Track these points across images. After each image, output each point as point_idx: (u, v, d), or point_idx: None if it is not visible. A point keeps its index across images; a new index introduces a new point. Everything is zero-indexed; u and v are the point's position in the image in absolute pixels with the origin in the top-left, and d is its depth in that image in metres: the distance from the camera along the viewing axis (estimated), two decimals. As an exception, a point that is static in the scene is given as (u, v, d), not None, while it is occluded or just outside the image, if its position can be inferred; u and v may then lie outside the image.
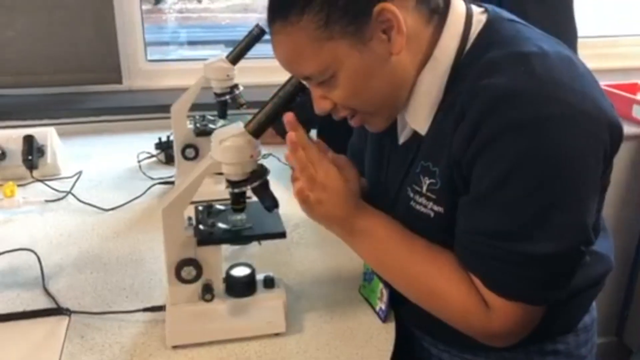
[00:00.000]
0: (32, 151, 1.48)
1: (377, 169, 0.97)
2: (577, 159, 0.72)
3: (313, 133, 1.87)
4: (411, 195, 0.87)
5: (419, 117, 0.85)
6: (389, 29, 0.76)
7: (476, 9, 0.84)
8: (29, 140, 1.49)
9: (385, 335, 0.97)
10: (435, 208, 0.84)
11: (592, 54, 1.62)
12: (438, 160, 0.82)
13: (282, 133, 1.78)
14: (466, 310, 0.81)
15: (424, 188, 0.85)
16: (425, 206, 0.85)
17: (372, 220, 0.89)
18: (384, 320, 0.99)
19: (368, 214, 0.89)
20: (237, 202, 0.92)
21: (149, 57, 2.09)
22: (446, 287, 0.82)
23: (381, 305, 1.00)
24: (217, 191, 1.27)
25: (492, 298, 0.79)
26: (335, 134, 1.10)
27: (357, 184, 0.92)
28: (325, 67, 0.79)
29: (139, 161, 1.61)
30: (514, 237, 0.75)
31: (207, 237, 0.91)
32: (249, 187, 0.89)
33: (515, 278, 0.76)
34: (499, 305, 0.78)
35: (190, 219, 0.94)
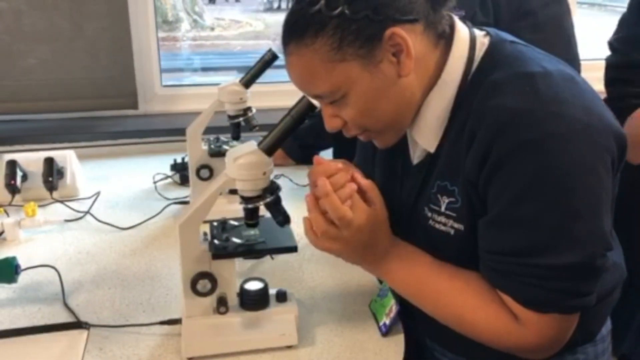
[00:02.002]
0: (53, 173, 1.53)
1: (389, 189, 1.00)
2: (588, 171, 0.75)
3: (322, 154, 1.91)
4: (429, 214, 0.90)
5: (427, 136, 0.88)
6: (399, 52, 0.81)
7: (479, 32, 0.88)
8: (49, 162, 1.54)
9: (394, 348, 0.99)
10: (456, 226, 0.86)
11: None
12: (455, 180, 0.85)
13: (292, 155, 1.84)
14: (498, 331, 0.83)
15: (443, 207, 0.88)
16: (444, 224, 0.88)
17: (399, 252, 0.92)
18: (385, 334, 1.01)
19: (395, 245, 0.92)
20: (251, 217, 0.95)
21: (163, 83, 2.16)
22: (475, 314, 0.84)
23: (386, 320, 1.02)
24: (230, 210, 1.30)
25: (524, 313, 0.81)
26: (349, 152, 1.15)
27: (385, 210, 0.94)
28: (337, 87, 0.83)
29: (154, 182, 1.65)
30: (537, 252, 0.77)
31: (221, 251, 0.94)
32: (262, 203, 0.92)
33: (544, 291, 0.78)
34: (532, 319, 0.80)
35: (205, 234, 0.98)
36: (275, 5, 6.66)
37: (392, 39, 0.79)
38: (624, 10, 1.44)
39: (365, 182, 0.92)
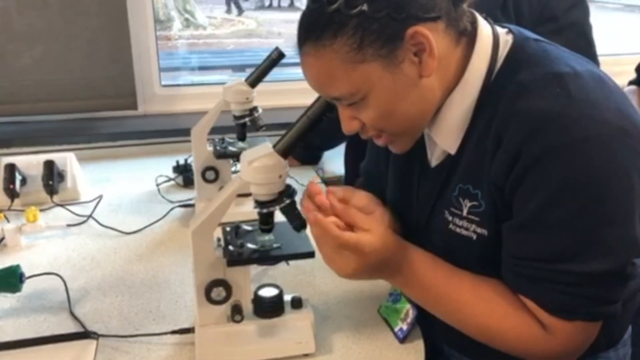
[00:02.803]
0: (53, 176, 1.49)
1: (405, 191, 0.97)
2: (620, 176, 0.73)
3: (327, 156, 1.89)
4: (449, 218, 0.87)
5: (448, 138, 0.85)
6: (421, 52, 0.77)
7: (501, 30, 0.85)
8: (49, 165, 1.50)
9: (414, 355, 0.96)
10: (479, 230, 0.83)
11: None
12: (479, 183, 0.82)
13: (297, 155, 1.81)
14: (525, 340, 0.81)
15: (465, 211, 0.85)
16: (467, 229, 0.85)
17: (415, 263, 0.87)
18: (402, 340, 0.98)
19: (409, 257, 0.88)
20: (266, 222, 0.92)
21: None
22: (501, 325, 0.82)
23: (402, 325, 0.99)
24: (240, 212, 1.27)
25: (550, 320, 0.78)
26: (362, 151, 1.12)
27: (389, 219, 0.92)
28: (357, 89, 0.79)
29: (157, 185, 1.62)
30: (567, 258, 0.75)
31: (236, 258, 0.91)
32: (277, 207, 0.89)
33: (572, 298, 0.76)
34: (558, 327, 0.78)
35: (219, 239, 0.95)
36: (267, 3, 6.62)
37: (414, 38, 0.76)
38: (614, 6, 1.44)
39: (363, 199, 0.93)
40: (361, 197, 0.94)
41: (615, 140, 0.72)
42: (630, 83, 1.65)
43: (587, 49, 1.37)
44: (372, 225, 0.85)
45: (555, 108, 0.73)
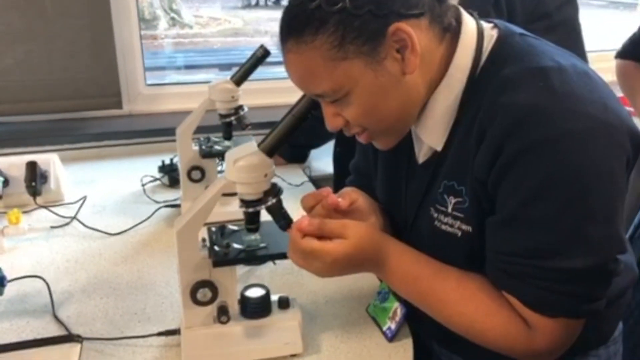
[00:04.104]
0: (36, 177, 1.47)
1: (393, 189, 0.97)
2: (604, 171, 0.72)
3: (314, 154, 1.88)
4: (435, 215, 0.87)
5: (434, 134, 0.85)
6: (403, 49, 0.77)
7: (486, 25, 0.85)
8: (32, 166, 1.48)
9: (403, 354, 0.96)
10: (463, 227, 0.83)
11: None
12: (463, 179, 0.82)
13: (284, 154, 1.80)
14: (509, 337, 0.80)
15: (450, 207, 0.84)
16: (451, 226, 0.84)
17: (399, 259, 0.87)
18: (391, 339, 0.98)
19: (394, 252, 0.87)
20: (252, 221, 0.91)
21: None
22: (485, 322, 0.81)
23: (390, 324, 0.99)
24: (225, 212, 1.26)
25: (533, 317, 0.78)
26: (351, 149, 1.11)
27: (375, 218, 0.93)
28: (339, 86, 0.79)
29: (142, 185, 1.60)
30: (549, 254, 0.74)
31: (222, 258, 0.90)
32: (263, 206, 0.88)
33: (555, 295, 0.75)
34: (541, 323, 0.78)
35: (204, 240, 0.94)
36: (254, 1, 6.59)
37: (397, 35, 0.75)
38: (599, 3, 1.47)
39: (347, 197, 0.95)
40: (364, 202, 0.96)
41: (599, 134, 0.72)
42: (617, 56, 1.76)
43: (579, 46, 1.37)
44: (346, 233, 0.84)
45: (538, 102, 0.72)
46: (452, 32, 0.82)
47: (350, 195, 0.96)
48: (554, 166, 0.71)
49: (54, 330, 1.01)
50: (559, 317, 0.77)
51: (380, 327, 1.01)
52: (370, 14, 0.74)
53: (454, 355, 0.99)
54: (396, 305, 1.00)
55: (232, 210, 1.18)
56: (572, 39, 1.35)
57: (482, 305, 0.82)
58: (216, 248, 0.91)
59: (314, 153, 1.87)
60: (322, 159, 1.91)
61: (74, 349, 0.96)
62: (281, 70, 0.84)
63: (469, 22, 0.83)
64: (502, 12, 1.29)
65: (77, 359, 0.94)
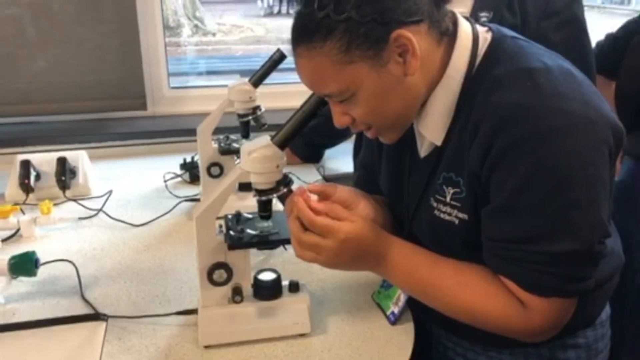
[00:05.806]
0: (65, 172, 1.57)
1: (397, 181, 1.03)
2: (587, 163, 0.78)
3: (329, 153, 1.94)
4: (434, 204, 0.93)
5: (434, 130, 0.92)
6: (405, 53, 0.83)
7: (481, 29, 0.91)
8: (62, 162, 1.58)
9: (404, 337, 1.02)
10: (460, 215, 0.89)
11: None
12: (460, 171, 0.88)
13: (299, 153, 1.87)
14: (508, 318, 0.86)
15: (448, 197, 0.91)
16: (449, 214, 0.91)
17: (398, 252, 0.94)
18: (394, 322, 1.04)
19: (392, 246, 0.94)
20: (264, 209, 0.98)
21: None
22: (485, 305, 0.87)
23: (394, 309, 1.05)
24: (241, 206, 1.33)
25: (529, 298, 0.84)
26: None
27: (373, 213, 0.99)
28: (346, 88, 0.86)
29: (165, 181, 1.69)
30: (538, 239, 0.80)
31: (236, 242, 0.97)
32: (275, 195, 0.95)
33: (547, 276, 0.81)
34: (536, 303, 0.84)
35: (220, 226, 1.01)
36: (276, 10, 6.69)
37: (398, 41, 0.82)
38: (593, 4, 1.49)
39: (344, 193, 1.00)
40: (343, 192, 1.01)
41: (581, 130, 0.78)
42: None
43: (587, 44, 1.41)
44: (351, 216, 0.92)
45: (525, 100, 0.79)
46: (449, 36, 0.88)
47: (327, 190, 1.00)
48: (539, 159, 0.78)
49: (82, 309, 1.09)
50: (552, 297, 0.83)
51: (384, 312, 1.07)
52: (374, 22, 0.81)
53: (452, 337, 1.06)
54: (399, 291, 1.06)
55: (249, 205, 1.25)
56: (581, 37, 1.40)
57: (480, 290, 0.88)
58: (232, 233, 0.99)
59: (328, 153, 1.94)
60: (337, 159, 1.99)
61: (100, 326, 1.04)
62: (295, 77, 0.92)
63: (464, 26, 0.90)
64: (516, 13, 1.34)
65: (103, 334, 1.02)
